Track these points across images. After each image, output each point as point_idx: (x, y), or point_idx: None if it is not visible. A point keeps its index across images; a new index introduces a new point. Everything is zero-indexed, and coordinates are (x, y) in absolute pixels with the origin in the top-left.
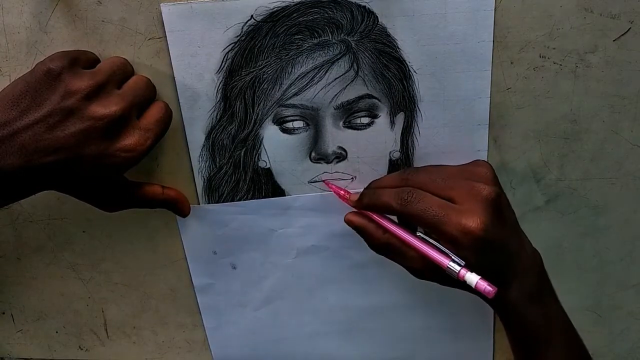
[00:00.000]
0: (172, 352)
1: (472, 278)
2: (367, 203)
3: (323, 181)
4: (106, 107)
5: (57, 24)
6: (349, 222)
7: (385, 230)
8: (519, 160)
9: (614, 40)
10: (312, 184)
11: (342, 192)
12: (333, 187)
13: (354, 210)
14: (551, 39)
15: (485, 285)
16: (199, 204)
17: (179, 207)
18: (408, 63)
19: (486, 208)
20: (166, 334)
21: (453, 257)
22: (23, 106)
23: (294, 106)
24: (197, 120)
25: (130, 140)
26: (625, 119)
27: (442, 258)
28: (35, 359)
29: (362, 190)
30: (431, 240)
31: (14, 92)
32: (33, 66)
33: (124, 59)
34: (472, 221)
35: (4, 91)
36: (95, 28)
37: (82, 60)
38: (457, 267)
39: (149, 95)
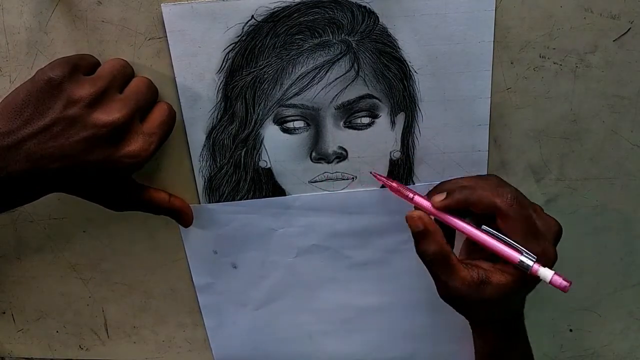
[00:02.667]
0: (172, 351)
1: (547, 273)
2: (459, 198)
3: (371, 173)
4: (109, 115)
5: (57, 24)
6: (417, 219)
7: (448, 242)
8: (519, 160)
9: (614, 41)
10: (313, 183)
11: (394, 184)
12: (382, 178)
13: (416, 209)
14: (551, 39)
15: (560, 280)
16: (199, 204)
17: (183, 218)
18: (409, 63)
19: (555, 240)
20: (166, 333)
21: (525, 253)
22: (26, 116)
23: (294, 106)
24: (197, 120)
25: (134, 145)
26: (625, 119)
27: (514, 253)
28: (36, 359)
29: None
30: (501, 236)
31: (16, 102)
32: (33, 66)
33: (124, 60)
34: (551, 250)
35: (6, 100)
36: (95, 28)
37: (82, 67)
38: (530, 262)
39: (150, 97)
